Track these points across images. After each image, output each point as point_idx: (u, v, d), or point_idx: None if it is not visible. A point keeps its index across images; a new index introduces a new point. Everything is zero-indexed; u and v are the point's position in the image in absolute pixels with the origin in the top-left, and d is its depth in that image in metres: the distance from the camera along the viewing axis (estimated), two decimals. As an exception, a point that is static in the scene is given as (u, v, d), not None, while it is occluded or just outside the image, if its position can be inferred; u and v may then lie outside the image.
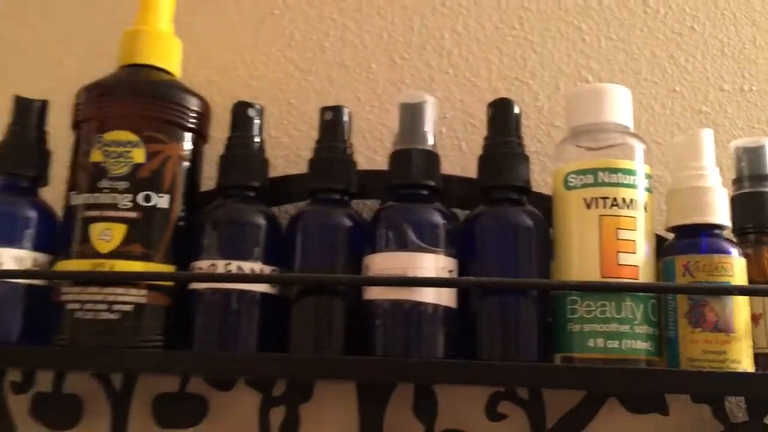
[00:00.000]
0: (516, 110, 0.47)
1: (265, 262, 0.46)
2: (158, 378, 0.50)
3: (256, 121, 0.50)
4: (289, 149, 0.56)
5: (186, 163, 0.48)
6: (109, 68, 0.51)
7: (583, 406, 0.47)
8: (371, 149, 0.55)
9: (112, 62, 0.52)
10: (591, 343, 0.41)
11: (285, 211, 0.53)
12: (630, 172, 0.43)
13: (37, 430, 0.50)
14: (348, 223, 0.46)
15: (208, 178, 0.50)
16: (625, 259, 0.41)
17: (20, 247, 0.46)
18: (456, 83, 0.56)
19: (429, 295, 0.42)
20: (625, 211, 0.42)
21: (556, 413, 0.47)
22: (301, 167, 0.54)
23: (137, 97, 0.47)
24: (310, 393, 0.49)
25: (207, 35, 0.59)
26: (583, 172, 0.43)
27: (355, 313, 0.44)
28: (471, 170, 0.51)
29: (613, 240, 0.41)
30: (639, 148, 0.44)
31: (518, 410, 0.47)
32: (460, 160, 0.54)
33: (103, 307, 0.44)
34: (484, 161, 0.47)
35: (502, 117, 0.47)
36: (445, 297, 0.43)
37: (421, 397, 0.48)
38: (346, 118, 0.49)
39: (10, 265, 0.46)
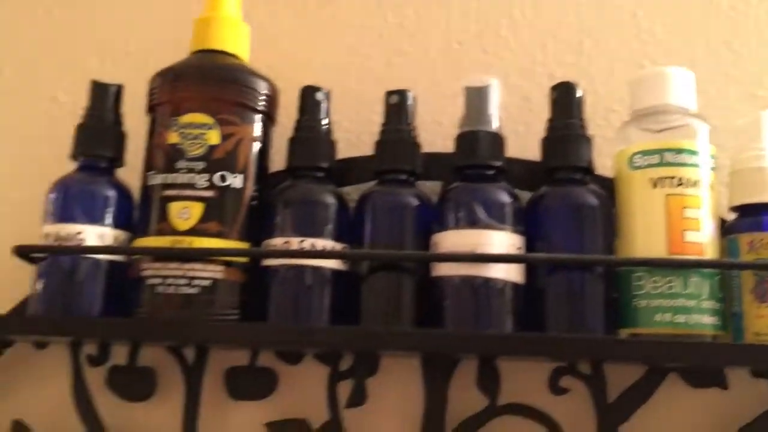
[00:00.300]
0: (579, 93, 0.48)
1: (336, 240, 0.48)
2: (229, 352, 0.52)
3: (324, 105, 0.51)
4: (349, 132, 0.57)
5: (257, 145, 0.50)
6: (172, 55, 0.53)
7: (644, 380, 0.48)
8: (429, 133, 0.56)
9: (175, 49, 0.54)
10: (658, 317, 0.42)
11: (346, 193, 0.54)
12: (694, 153, 0.44)
13: (113, 401, 0.52)
14: (415, 202, 0.48)
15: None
16: (691, 236, 0.42)
17: (102, 225, 0.48)
18: (513, 68, 0.57)
19: (499, 272, 0.44)
20: (690, 190, 0.43)
21: (618, 388, 0.49)
22: (360, 150, 0.56)
23: (211, 81, 0.49)
24: (376, 367, 0.51)
25: (269, 22, 0.60)
26: (649, 152, 0.44)
27: (422, 290, 0.46)
28: (528, 153, 0.53)
29: (680, 218, 0.43)
30: (702, 128, 0.45)
31: (580, 385, 0.49)
32: (518, 143, 0.54)
33: (183, 282, 0.46)
34: (547, 143, 0.48)
35: (565, 100, 0.48)
36: (513, 273, 0.44)
37: (484, 372, 0.50)
38: (410, 101, 0.51)
39: (93, 241, 0.48)
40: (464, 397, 0.50)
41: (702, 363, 0.43)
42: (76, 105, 0.60)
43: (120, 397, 0.52)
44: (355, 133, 0.57)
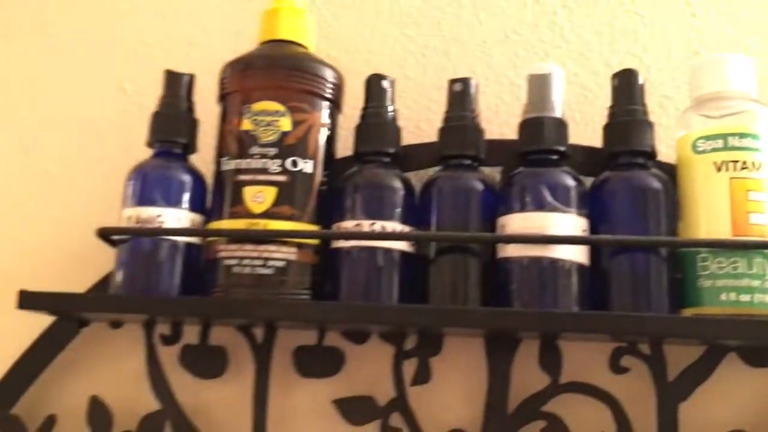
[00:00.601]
0: (640, 80, 0.49)
1: (403, 223, 0.49)
2: (296, 332, 0.54)
3: (389, 92, 0.53)
4: (408, 120, 0.59)
5: (326, 131, 0.51)
6: (234, 46, 0.55)
7: (703, 360, 0.50)
8: (487, 120, 0.58)
9: (237, 40, 0.56)
10: (723, 297, 0.43)
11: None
12: (757, 137, 0.45)
13: (186, 378, 0.55)
14: (480, 186, 0.49)
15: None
16: (755, 219, 0.44)
17: (180, 208, 0.50)
18: (569, 57, 0.59)
19: (565, 253, 0.45)
20: (754, 174, 0.44)
21: (677, 368, 0.50)
22: (419, 138, 0.58)
23: (282, 70, 0.51)
24: (440, 346, 0.52)
25: (329, 13, 0.62)
26: (713, 137, 0.45)
27: (487, 273, 0.48)
28: (585, 139, 0.54)
29: (744, 201, 0.44)
30: (764, 113, 0.46)
31: (640, 364, 0.50)
32: (575, 130, 0.56)
33: (259, 262, 0.48)
34: (610, 129, 0.49)
35: (626, 86, 0.49)
36: (579, 255, 0.46)
37: (546, 352, 0.51)
38: (473, 89, 0.52)
39: (172, 224, 0.50)
40: (526, 376, 0.51)
41: (766, 341, 0.44)
42: (142, 95, 0.63)
43: (192, 374, 0.55)
44: (413, 121, 0.59)
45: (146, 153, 0.53)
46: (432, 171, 0.52)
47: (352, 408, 0.53)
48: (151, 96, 0.62)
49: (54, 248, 0.60)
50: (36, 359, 0.55)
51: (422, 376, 0.52)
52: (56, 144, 0.63)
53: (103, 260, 0.54)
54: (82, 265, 0.57)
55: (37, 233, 0.61)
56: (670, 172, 0.48)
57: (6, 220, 0.62)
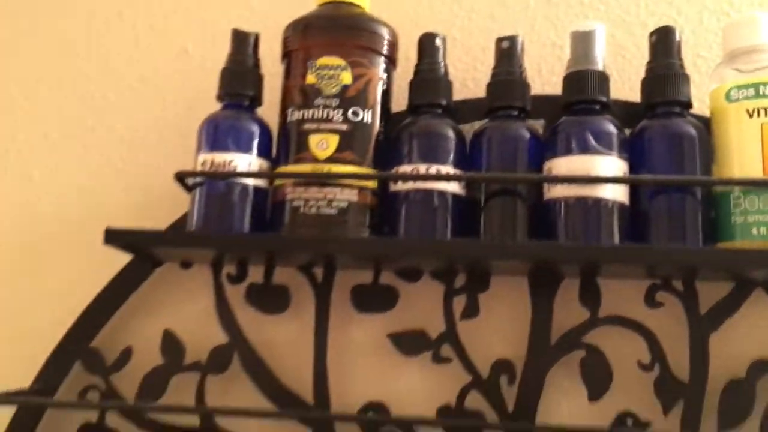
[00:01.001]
0: (676, 36, 0.53)
1: (456, 168, 0.54)
2: (353, 272, 0.59)
3: (441, 49, 0.57)
4: (455, 78, 0.62)
5: (382, 85, 0.56)
6: (293, 8, 0.59)
7: (732, 295, 0.54)
8: (530, 79, 0.61)
9: (295, 2, 0.60)
10: (754, 231, 0.47)
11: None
12: (786, 87, 0.49)
13: (252, 314, 0.59)
14: (527, 135, 0.53)
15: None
16: (785, 160, 0.48)
17: (250, 154, 0.55)
18: (607, 18, 0.62)
19: (608, 192, 0.49)
20: (784, 119, 0.48)
21: (707, 302, 0.54)
22: (465, 95, 0.62)
23: (343, 28, 0.55)
24: (487, 284, 0.57)
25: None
26: (746, 86, 0.49)
27: (534, 214, 0.52)
28: (622, 96, 0.58)
29: (774, 144, 0.48)
30: (793, 66, 0.50)
31: (674, 299, 0.54)
32: (613, 87, 0.59)
33: (324, 203, 0.53)
34: (648, 82, 0.53)
35: (664, 42, 0.53)
36: (620, 194, 0.50)
37: (586, 288, 0.55)
38: (519, 46, 0.56)
39: (243, 168, 0.54)
40: (567, 311, 0.56)
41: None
42: (203, 57, 0.67)
43: (258, 311, 0.59)
44: (460, 79, 0.63)
45: (208, 110, 0.57)
46: (479, 124, 0.57)
47: (406, 341, 0.57)
48: (212, 57, 0.67)
49: (130, 194, 0.65)
50: (113, 297, 0.60)
51: (471, 311, 0.57)
52: (123, 103, 0.67)
53: (179, 205, 0.59)
54: (159, 211, 0.62)
55: (113, 184, 0.66)
56: (705, 123, 0.52)
57: (88, 171, 0.66)
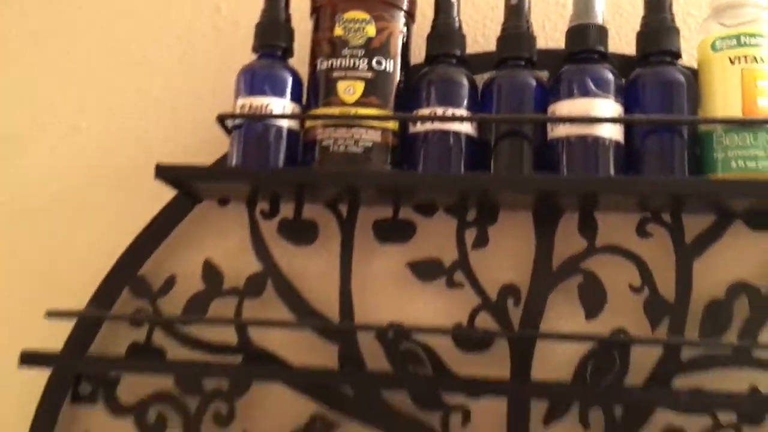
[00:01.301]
0: (669, -6, 0.59)
1: (469, 112, 0.60)
2: (374, 208, 0.65)
3: (456, 5, 0.63)
4: (467, 34, 0.67)
5: (403, 38, 0.62)
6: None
7: (715, 225, 0.61)
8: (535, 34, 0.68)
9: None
10: (734, 164, 0.54)
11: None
12: (764, 37, 0.55)
13: (283, 246, 0.66)
14: (533, 82, 0.59)
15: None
16: (762, 102, 0.54)
17: (284, 98, 0.61)
18: (606, -21, 0.68)
19: (605, 132, 0.56)
20: (761, 66, 0.54)
21: (692, 233, 0.61)
22: (476, 49, 0.68)
23: (368, -16, 0.62)
24: (496, 217, 0.63)
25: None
26: (729, 37, 0.55)
27: (539, 154, 0.58)
28: (619, 50, 0.65)
29: (753, 88, 0.54)
30: (771, 19, 0.56)
31: (662, 230, 0.61)
32: (611, 42, 0.64)
33: (351, 142, 0.59)
34: (642, 35, 0.59)
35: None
36: (616, 133, 0.56)
37: (584, 221, 0.62)
38: (527, 4, 0.62)
39: (278, 111, 0.60)
40: (568, 241, 0.62)
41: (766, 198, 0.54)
42: (235, 15, 0.73)
43: (288, 242, 0.66)
44: (471, 35, 0.69)
45: (240, 63, 0.63)
46: (489, 75, 0.63)
47: (422, 269, 0.64)
48: (243, 16, 0.73)
49: (173, 140, 0.71)
50: (158, 231, 0.66)
51: (481, 242, 0.63)
52: (158, 59, 0.73)
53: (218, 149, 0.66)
54: (198, 157, 0.68)
55: (157, 132, 0.72)
56: (693, 74, 0.58)
57: (135, 118, 0.72)
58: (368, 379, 0.62)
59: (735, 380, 0.58)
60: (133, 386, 0.65)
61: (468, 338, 0.61)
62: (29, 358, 0.61)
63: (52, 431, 0.64)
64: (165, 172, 0.60)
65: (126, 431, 0.64)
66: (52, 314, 0.62)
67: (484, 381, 0.59)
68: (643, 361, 0.60)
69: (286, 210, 0.66)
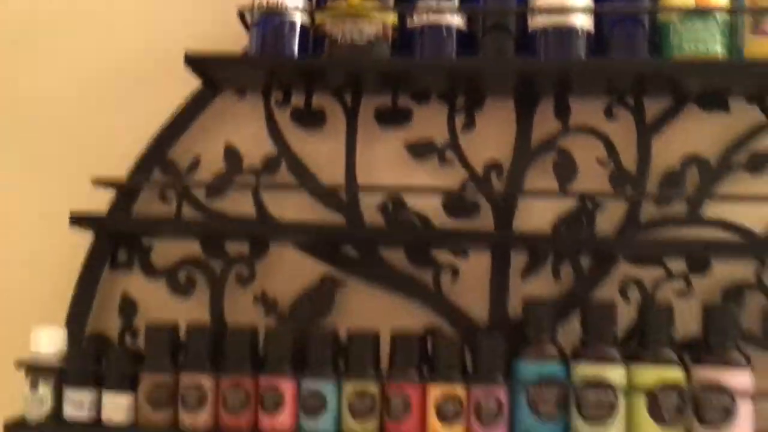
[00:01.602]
0: None
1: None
2: (375, 98, 0.74)
3: None
4: None
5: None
6: None
7: (671, 108, 0.70)
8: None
9: None
10: (686, 47, 0.63)
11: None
12: (717, -62, 0.64)
13: (295, 131, 0.75)
14: (516, -20, 0.68)
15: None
16: (713, -5, 0.63)
17: (295, -4, 0.69)
18: None
19: (578, 21, 0.65)
20: (713, -37, 0.63)
21: (652, 114, 0.70)
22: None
23: None
24: (482, 104, 0.72)
25: None
26: (684, -61, 0.64)
27: (521, 45, 0.67)
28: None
29: (704, -18, 0.63)
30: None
31: (626, 112, 0.70)
32: None
33: (357, 35, 0.67)
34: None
35: None
36: (587, 23, 0.65)
37: (559, 105, 0.71)
38: None
39: (292, 6, 0.68)
40: (545, 123, 0.72)
41: (713, 76, 0.64)
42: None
43: (299, 126, 0.74)
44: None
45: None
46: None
47: (418, 149, 0.73)
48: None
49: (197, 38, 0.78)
50: (183, 117, 0.74)
51: (469, 125, 0.72)
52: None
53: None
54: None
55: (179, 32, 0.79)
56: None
57: (164, 18, 0.79)
58: (368, 234, 0.72)
59: (685, 237, 0.69)
60: (164, 252, 0.74)
61: (458, 204, 0.71)
62: (77, 220, 0.69)
63: (94, 293, 0.73)
64: (193, 60, 0.68)
65: (159, 292, 0.74)
66: (98, 182, 0.71)
67: (470, 232, 0.70)
68: (607, 226, 0.70)
69: (298, 100, 0.75)
